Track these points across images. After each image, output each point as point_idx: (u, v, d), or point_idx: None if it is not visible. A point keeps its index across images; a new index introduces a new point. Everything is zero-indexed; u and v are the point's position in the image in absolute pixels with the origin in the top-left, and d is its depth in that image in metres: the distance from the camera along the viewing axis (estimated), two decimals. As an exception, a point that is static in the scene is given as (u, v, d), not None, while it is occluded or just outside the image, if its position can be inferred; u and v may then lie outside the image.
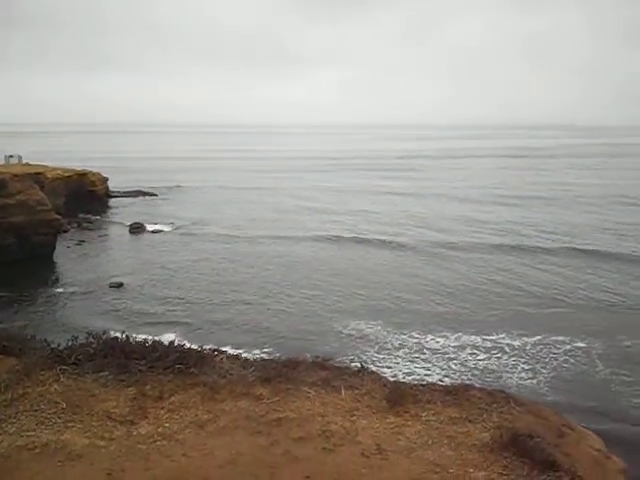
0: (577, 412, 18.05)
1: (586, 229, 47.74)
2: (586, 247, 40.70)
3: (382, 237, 44.73)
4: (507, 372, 23.26)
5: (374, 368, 21.79)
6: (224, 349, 14.96)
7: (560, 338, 26.50)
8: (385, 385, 12.75)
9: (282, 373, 13.10)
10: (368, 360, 23.84)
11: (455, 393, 12.39)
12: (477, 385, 13.68)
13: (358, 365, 13.82)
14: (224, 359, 13.97)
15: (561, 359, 24.47)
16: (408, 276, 35.65)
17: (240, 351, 21.16)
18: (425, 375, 20.98)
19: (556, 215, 55.68)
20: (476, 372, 23.19)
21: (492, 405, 11.97)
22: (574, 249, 39.31)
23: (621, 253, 37.09)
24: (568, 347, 25.58)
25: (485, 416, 11.54)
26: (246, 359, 14.26)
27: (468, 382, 14.34)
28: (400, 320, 28.70)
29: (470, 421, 11.37)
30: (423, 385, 13.04)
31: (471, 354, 25.17)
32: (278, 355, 16.32)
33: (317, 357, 14.01)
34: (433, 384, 13.41)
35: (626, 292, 31.17)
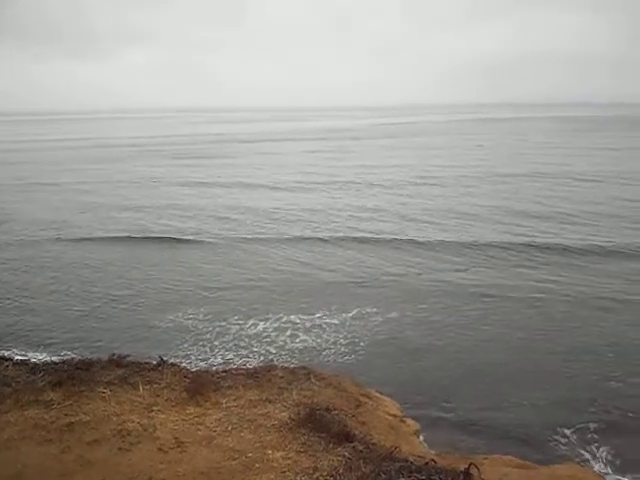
0: (383, 380, 18.86)
1: (378, 213, 49.04)
2: (370, 233, 42.05)
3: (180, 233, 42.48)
4: (326, 349, 23.81)
5: (187, 362, 21.47)
6: (9, 356, 13.83)
7: (374, 310, 27.64)
8: (186, 376, 12.48)
9: (75, 375, 12.37)
10: (181, 353, 23.24)
11: (257, 375, 12.41)
12: (279, 364, 13.79)
13: (157, 359, 13.36)
14: (9, 366, 12.91)
15: (375, 330, 25.53)
16: (214, 265, 35.34)
17: (29, 356, 19.74)
18: (243, 364, 20.82)
19: (353, 199, 56.35)
20: (295, 353, 23.50)
21: (293, 383, 12.12)
22: (355, 238, 40.42)
23: (416, 240, 38.89)
24: (381, 319, 26.73)
25: (285, 395, 11.66)
26: (35, 364, 13.30)
27: (271, 363, 14.44)
28: (220, 309, 28.36)
29: (270, 402, 11.42)
30: (225, 371, 12.91)
31: (291, 336, 25.44)
32: (71, 357, 15.33)
33: (113, 355, 13.38)
34: (236, 369, 13.34)
35: (418, 267, 33.72)
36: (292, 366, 13.34)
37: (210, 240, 41.11)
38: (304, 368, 12.95)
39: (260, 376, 12.33)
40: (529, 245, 37.35)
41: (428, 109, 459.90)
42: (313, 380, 12.17)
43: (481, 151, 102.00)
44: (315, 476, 9.33)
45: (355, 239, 40.36)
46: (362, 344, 24.01)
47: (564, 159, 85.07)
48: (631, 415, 18.22)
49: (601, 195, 55.08)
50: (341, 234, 41.75)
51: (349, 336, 24.91)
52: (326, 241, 40.35)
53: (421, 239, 39.89)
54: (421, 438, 11.96)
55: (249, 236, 42.06)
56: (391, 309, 27.77)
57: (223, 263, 35.94)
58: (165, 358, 13.64)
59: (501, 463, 11.19)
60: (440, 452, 11.80)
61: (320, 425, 10.48)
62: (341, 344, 24.18)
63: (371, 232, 42.33)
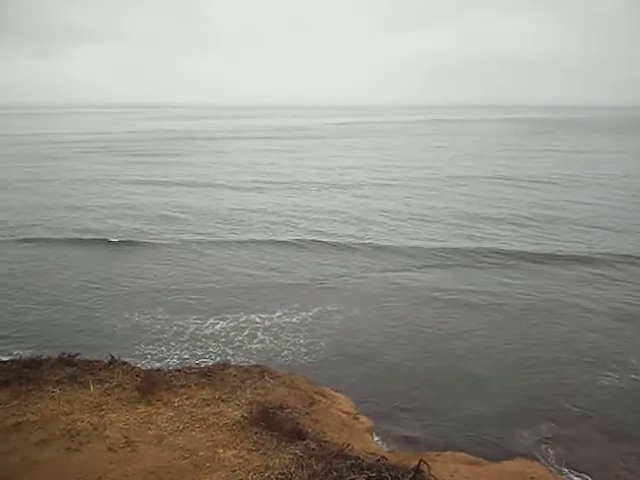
0: (339, 378, 18.91)
1: (336, 215, 48.37)
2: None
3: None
4: (284, 348, 23.75)
5: (142, 361, 21.15)
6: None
7: (334, 309, 27.72)
8: (138, 375, 12.32)
9: (23, 374, 12.11)
10: (137, 353, 22.93)
11: (210, 374, 12.31)
12: (233, 363, 13.69)
13: (109, 357, 13.14)
14: (-47, 368, 12.55)
15: (334, 329, 25.58)
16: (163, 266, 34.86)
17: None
18: (199, 363, 20.58)
19: (311, 199, 55.46)
20: (253, 352, 23.39)
21: (247, 382, 12.06)
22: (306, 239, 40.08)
23: (373, 244, 38.72)
24: (340, 318, 26.78)
25: (238, 393, 11.60)
26: (-19, 365, 12.93)
27: (225, 361, 14.28)
28: (178, 308, 28.05)
29: (223, 400, 11.34)
30: (178, 370, 12.76)
31: (249, 335, 25.31)
32: (19, 355, 14.94)
33: (63, 353, 13.12)
34: (189, 368, 13.21)
35: (375, 268, 34.01)
36: (246, 365, 13.24)
37: (163, 242, 40.38)
38: (258, 367, 12.89)
39: (213, 375, 12.24)
40: (484, 249, 37.73)
41: (382, 109, 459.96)
42: (267, 378, 12.13)
43: (437, 153, 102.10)
44: (266, 474, 9.29)
45: (314, 242, 40.20)
46: (321, 343, 24.07)
47: (519, 162, 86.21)
48: (579, 412, 18.65)
49: (554, 198, 56.06)
50: (299, 236, 41.56)
51: (308, 335, 24.95)
52: (284, 242, 40.19)
53: (380, 242, 40.06)
54: (375, 435, 12.00)
55: (204, 238, 41.54)
56: (349, 309, 27.91)
57: (178, 265, 35.49)
58: (117, 357, 13.42)
59: (453, 460, 11.30)
60: (393, 449, 11.89)
61: (273, 423, 10.45)
62: (299, 343, 24.19)
63: (329, 234, 42.20)
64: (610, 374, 21.63)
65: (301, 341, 24.57)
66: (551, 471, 10.63)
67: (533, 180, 66.70)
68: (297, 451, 9.81)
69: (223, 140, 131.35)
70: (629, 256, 35.86)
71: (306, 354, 22.90)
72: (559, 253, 36.70)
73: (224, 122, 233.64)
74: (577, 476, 10.82)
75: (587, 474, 14.06)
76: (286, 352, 23.40)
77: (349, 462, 9.19)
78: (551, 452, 15.79)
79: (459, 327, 25.68)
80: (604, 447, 16.72)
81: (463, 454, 11.86)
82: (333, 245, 39.33)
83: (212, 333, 25.48)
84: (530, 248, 37.88)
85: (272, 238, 41.25)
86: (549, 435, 17.28)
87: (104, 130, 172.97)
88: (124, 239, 40.82)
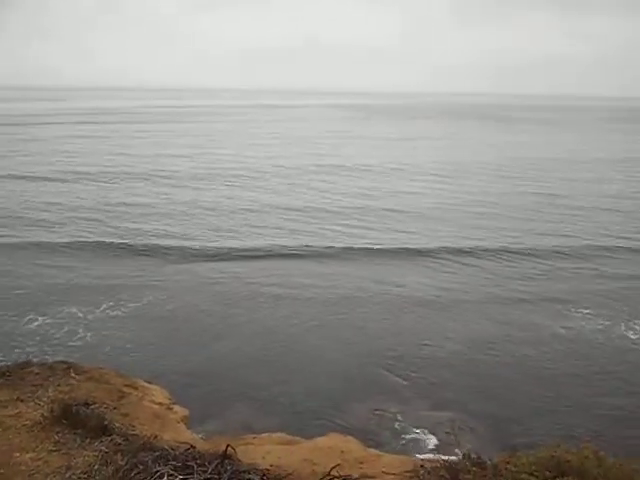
0: (156, 369, 18.59)
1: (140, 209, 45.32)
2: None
3: None
4: (102, 342, 22.81)
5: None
6: None
7: (161, 300, 27.06)
8: None
9: None
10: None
11: (9, 374, 11.45)
12: (36, 361, 12.88)
13: None
14: None
15: (155, 320, 25.00)
16: None
17: None
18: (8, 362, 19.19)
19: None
20: (70, 347, 22.22)
21: (49, 379, 11.39)
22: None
23: (151, 246, 36.45)
24: (163, 309, 26.22)
25: (40, 392, 10.91)
26: None
27: (27, 359, 13.42)
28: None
29: (22, 401, 10.62)
30: (-27, 372, 11.73)
31: (69, 332, 24.01)
32: None
33: None
34: (-14, 368, 12.16)
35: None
36: (51, 362, 12.48)
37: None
38: (64, 363, 12.20)
39: (13, 374, 11.40)
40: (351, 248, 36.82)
41: (211, 93, 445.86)
42: (73, 374, 11.52)
43: (272, 141, 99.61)
44: (67, 475, 8.83)
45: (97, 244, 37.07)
46: (145, 334, 23.40)
47: (357, 149, 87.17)
48: (399, 384, 19.83)
49: (371, 187, 57.71)
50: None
51: (133, 328, 24.15)
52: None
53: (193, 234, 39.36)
54: (190, 424, 11.82)
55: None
56: (175, 300, 27.34)
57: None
58: None
59: (268, 441, 11.40)
60: (210, 436, 11.80)
61: (76, 421, 9.95)
62: (122, 337, 23.35)
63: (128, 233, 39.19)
64: (429, 343, 23.27)
65: (125, 335, 23.75)
66: (362, 444, 11.04)
67: (363, 169, 67.49)
68: (102, 447, 9.42)
69: (38, 126, 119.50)
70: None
71: (124, 347, 22.18)
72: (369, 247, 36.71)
73: (39, 105, 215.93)
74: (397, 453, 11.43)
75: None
76: (107, 347, 22.47)
77: (155, 454, 8.97)
78: (366, 425, 16.90)
79: (279, 315, 25.98)
80: (426, 414, 18.12)
81: (280, 434, 12.02)
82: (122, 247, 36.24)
83: (30, 330, 23.93)
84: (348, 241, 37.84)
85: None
86: (369, 410, 18.36)
87: None
88: None
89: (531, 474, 8.26)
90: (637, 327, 25.42)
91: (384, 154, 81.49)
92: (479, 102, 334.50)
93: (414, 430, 17.64)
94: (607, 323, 25.75)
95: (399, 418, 18.42)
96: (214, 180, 59.36)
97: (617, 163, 76.98)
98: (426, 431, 17.44)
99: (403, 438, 17.35)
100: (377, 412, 18.68)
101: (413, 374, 21.13)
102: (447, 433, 15.70)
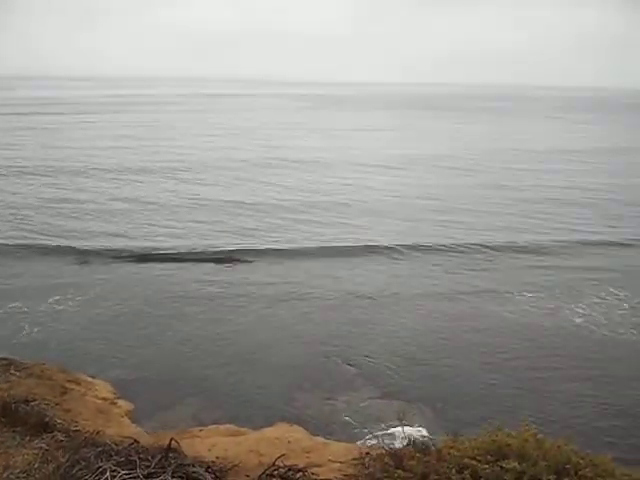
0: (104, 363, 18.30)
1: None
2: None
3: None
4: (49, 337, 22.28)
5: None
6: None
7: (108, 294, 26.61)
8: None
9: None
10: None
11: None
12: (-28, 359, 12.49)
13: None
14: None
15: (104, 314, 24.57)
16: None
17: None
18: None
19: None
20: (17, 347, 21.60)
21: (-12, 377, 11.03)
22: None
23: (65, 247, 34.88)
24: (110, 304, 25.76)
25: (-22, 390, 10.56)
26: None
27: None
28: None
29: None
30: None
31: (18, 329, 23.35)
32: None
33: None
34: None
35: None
36: (-12, 358, 12.13)
37: None
38: (4, 359, 11.89)
39: (-51, 373, 11.05)
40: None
41: (149, 81, 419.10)
42: (13, 371, 11.22)
43: (217, 132, 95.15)
44: (5, 475, 8.60)
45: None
46: (95, 327, 22.97)
47: (307, 141, 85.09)
48: (345, 373, 20.01)
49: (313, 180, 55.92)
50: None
51: (81, 321, 23.67)
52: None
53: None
54: (135, 418, 11.67)
55: None
56: (120, 296, 26.87)
57: None
58: None
59: (215, 433, 11.35)
60: (155, 430, 11.66)
61: (15, 419, 9.73)
62: (69, 330, 22.86)
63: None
64: (379, 333, 23.50)
65: (73, 328, 23.27)
66: (309, 433, 11.08)
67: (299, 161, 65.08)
68: (42, 445, 9.22)
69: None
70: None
71: (72, 341, 21.74)
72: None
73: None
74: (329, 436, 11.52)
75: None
76: (54, 342, 21.95)
77: (98, 450, 8.82)
78: (317, 415, 17.04)
79: (226, 310, 25.82)
80: (377, 401, 18.43)
81: (228, 426, 11.98)
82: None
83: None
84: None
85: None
86: (320, 399, 18.48)
87: None
88: None
89: (473, 458, 8.40)
90: (580, 311, 26.27)
91: (334, 146, 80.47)
92: (432, 92, 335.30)
93: (364, 418, 17.80)
94: (552, 305, 26.69)
95: (349, 406, 18.59)
96: (155, 174, 56.47)
97: (563, 154, 78.02)
98: (376, 419, 17.61)
99: (353, 426, 17.50)
100: (328, 401, 18.80)
101: (363, 363, 21.31)
102: (396, 420, 15.91)
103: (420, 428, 17.45)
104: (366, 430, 17.13)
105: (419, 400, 18.81)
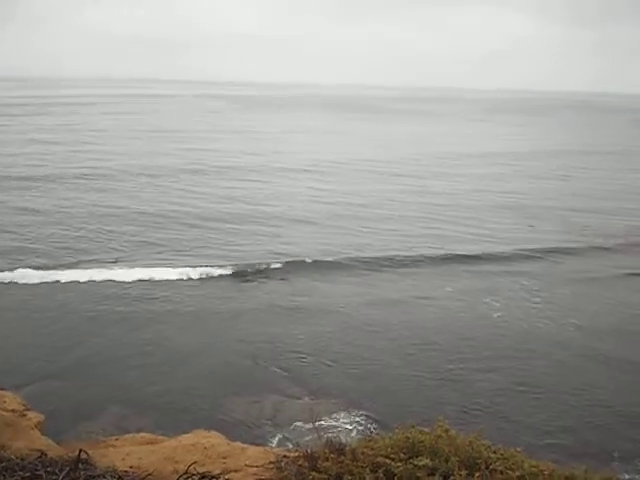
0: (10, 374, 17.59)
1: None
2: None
3: None
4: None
5: None
6: None
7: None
8: None
9: None
10: None
11: None
12: None
13: None
14: None
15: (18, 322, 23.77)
16: None
17: None
18: None
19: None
20: None
21: None
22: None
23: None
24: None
25: None
26: None
27: None
28: None
29: None
30: None
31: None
32: None
33: None
34: None
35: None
36: None
37: None
38: None
39: None
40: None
41: (70, 82, 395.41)
42: None
43: (136, 134, 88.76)
44: None
45: None
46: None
47: (228, 145, 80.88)
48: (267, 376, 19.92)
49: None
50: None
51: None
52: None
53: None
54: (46, 430, 11.21)
55: None
56: (34, 304, 25.93)
57: None
58: None
59: (131, 442, 11.03)
60: (67, 441, 11.25)
61: None
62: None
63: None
64: (306, 337, 23.53)
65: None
66: (226, 438, 10.90)
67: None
68: (-59, 464, 8.70)
69: None
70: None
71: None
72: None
73: None
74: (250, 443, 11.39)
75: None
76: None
77: (1, 465, 8.40)
78: (244, 419, 16.96)
79: (150, 317, 25.30)
80: (305, 402, 18.62)
81: (143, 434, 11.66)
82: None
83: None
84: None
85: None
86: (248, 403, 18.39)
87: None
88: None
89: (387, 457, 8.42)
90: (496, 304, 27.56)
91: (257, 149, 76.51)
92: (359, 94, 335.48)
93: (291, 420, 17.77)
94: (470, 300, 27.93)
95: (277, 409, 18.55)
96: (59, 180, 51.56)
97: (486, 157, 78.19)
98: (302, 420, 17.57)
99: (280, 428, 17.45)
100: (255, 405, 18.70)
101: (292, 366, 21.28)
102: (320, 420, 16.01)
103: (348, 426, 17.68)
104: (293, 431, 17.14)
105: (347, 399, 19.02)
